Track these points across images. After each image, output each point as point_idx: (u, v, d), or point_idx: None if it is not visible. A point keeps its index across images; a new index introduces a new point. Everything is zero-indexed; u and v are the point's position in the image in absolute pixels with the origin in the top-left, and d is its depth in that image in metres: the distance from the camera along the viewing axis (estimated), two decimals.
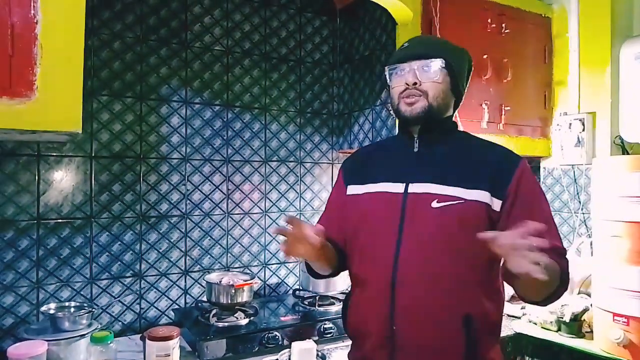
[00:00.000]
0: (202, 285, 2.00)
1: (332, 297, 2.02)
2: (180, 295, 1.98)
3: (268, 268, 2.18)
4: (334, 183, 2.31)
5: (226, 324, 1.72)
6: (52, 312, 1.56)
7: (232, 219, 2.09)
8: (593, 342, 1.74)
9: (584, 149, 2.17)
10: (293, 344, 1.52)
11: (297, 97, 2.25)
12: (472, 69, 1.29)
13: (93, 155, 1.81)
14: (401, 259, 1.13)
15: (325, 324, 1.77)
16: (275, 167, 2.20)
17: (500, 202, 1.12)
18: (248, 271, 2.09)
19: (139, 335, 1.60)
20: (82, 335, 1.48)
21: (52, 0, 1.23)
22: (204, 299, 1.89)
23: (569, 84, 2.29)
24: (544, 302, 1.11)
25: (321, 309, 1.92)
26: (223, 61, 2.07)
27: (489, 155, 1.20)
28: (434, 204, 1.13)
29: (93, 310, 1.60)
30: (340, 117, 2.32)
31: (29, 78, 1.21)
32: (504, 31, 2.12)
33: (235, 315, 1.78)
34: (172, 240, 1.96)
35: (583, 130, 2.17)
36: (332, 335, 1.74)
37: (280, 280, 2.21)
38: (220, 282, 1.82)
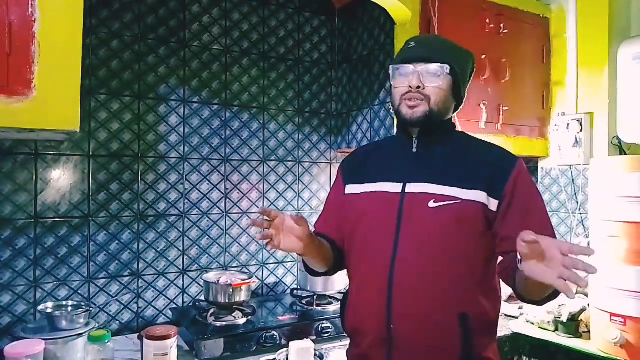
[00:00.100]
0: (200, 285, 2.00)
1: (330, 297, 2.02)
2: (178, 295, 1.98)
3: (266, 267, 2.18)
4: (332, 182, 2.31)
5: (224, 323, 1.72)
6: (49, 311, 1.56)
7: (230, 218, 2.09)
8: (590, 342, 1.74)
9: (582, 149, 2.17)
10: (291, 343, 1.52)
11: (296, 96, 2.25)
12: (475, 70, 1.30)
13: (91, 154, 1.80)
14: (398, 258, 1.13)
15: (323, 323, 1.77)
16: (274, 166, 2.20)
17: (497, 202, 1.13)
18: (246, 270, 2.09)
19: (137, 335, 1.60)
20: (80, 334, 1.48)
21: None
22: (202, 298, 1.89)
23: (567, 84, 2.29)
24: (542, 302, 1.12)
25: (319, 308, 1.92)
26: (221, 60, 2.07)
27: (487, 155, 1.20)
28: (431, 204, 1.13)
29: (90, 309, 1.59)
30: (339, 116, 2.32)
31: (27, 76, 1.21)
32: (502, 31, 2.12)
33: (233, 314, 1.78)
34: (170, 240, 1.95)
35: (581, 130, 2.17)
36: (329, 335, 1.74)
37: (278, 280, 2.21)
38: (218, 281, 1.82)
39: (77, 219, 1.78)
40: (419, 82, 1.16)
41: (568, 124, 2.22)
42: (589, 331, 1.78)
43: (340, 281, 1.98)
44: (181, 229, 1.98)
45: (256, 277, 2.13)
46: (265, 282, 2.18)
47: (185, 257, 1.99)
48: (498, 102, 2.11)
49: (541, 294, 1.08)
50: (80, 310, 1.57)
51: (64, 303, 1.63)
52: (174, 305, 1.96)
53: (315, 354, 1.53)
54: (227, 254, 2.08)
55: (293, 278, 2.24)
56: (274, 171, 2.20)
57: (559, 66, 2.32)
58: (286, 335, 1.69)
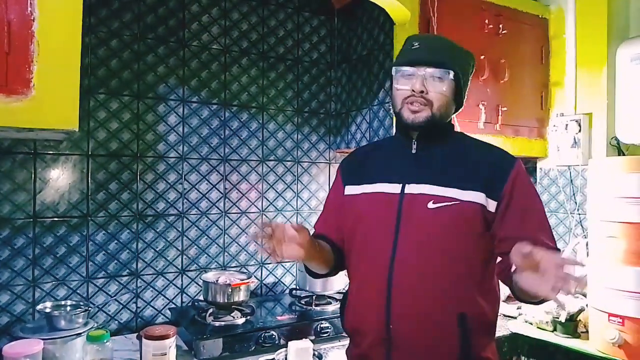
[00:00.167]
0: (198, 285, 2.00)
1: (329, 297, 2.02)
2: (177, 295, 1.97)
3: (265, 267, 2.18)
4: (331, 182, 2.31)
5: (223, 323, 1.72)
6: (48, 310, 1.56)
7: (229, 218, 2.09)
8: (588, 342, 1.75)
9: (580, 149, 2.18)
10: (290, 343, 1.52)
11: (295, 96, 2.25)
12: (474, 71, 1.30)
13: (90, 153, 1.80)
14: (397, 259, 1.13)
15: (321, 323, 1.77)
16: (273, 166, 2.19)
17: (496, 203, 1.13)
18: (245, 270, 2.09)
19: (136, 334, 1.60)
20: (78, 334, 1.48)
21: None
22: (201, 298, 1.89)
23: (565, 85, 2.29)
24: (539, 302, 1.12)
25: (318, 308, 1.92)
26: (221, 60, 2.07)
27: (485, 156, 1.20)
28: (430, 205, 1.13)
29: (89, 309, 1.59)
30: (338, 116, 2.32)
31: (26, 76, 1.21)
32: (501, 32, 2.12)
33: (231, 314, 1.78)
34: (168, 239, 1.95)
35: (579, 131, 2.18)
36: (328, 335, 1.74)
37: (277, 280, 2.21)
38: (217, 281, 1.82)
39: (76, 218, 1.77)
40: (423, 87, 1.16)
41: (567, 125, 2.22)
42: (587, 331, 1.79)
43: (339, 281, 1.98)
44: (180, 229, 1.98)
45: (255, 277, 2.13)
46: (264, 282, 2.18)
47: (184, 256, 1.99)
48: (497, 103, 2.12)
49: (537, 297, 1.09)
50: (79, 310, 1.57)
51: (63, 303, 1.63)
52: (173, 305, 1.96)
53: (314, 354, 1.53)
54: (226, 253, 2.08)
55: (292, 278, 2.24)
56: (273, 171, 2.19)
57: (557, 67, 2.33)
58: (285, 335, 1.69)
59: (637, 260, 1.58)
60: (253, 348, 1.63)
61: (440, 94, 1.17)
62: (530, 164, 2.41)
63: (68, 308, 1.60)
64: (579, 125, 2.18)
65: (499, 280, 1.20)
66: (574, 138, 2.19)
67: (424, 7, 1.91)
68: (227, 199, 2.08)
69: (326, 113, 2.33)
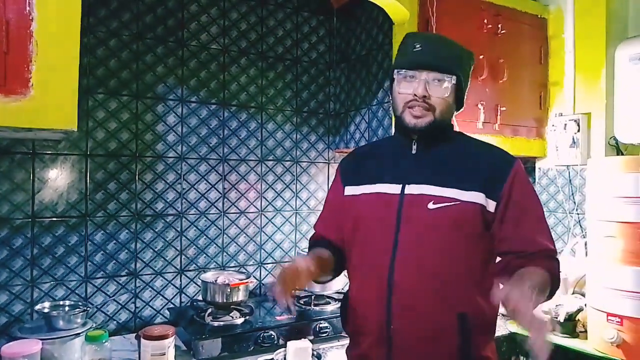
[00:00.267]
0: (197, 285, 2.00)
1: (328, 297, 2.02)
2: (176, 294, 1.97)
3: (264, 267, 2.18)
4: (330, 182, 2.31)
5: (222, 323, 1.71)
6: (46, 310, 1.56)
7: (228, 218, 2.09)
8: (587, 342, 1.75)
9: (579, 149, 2.18)
10: (289, 343, 1.52)
11: (294, 96, 2.25)
12: (472, 68, 1.29)
13: (88, 153, 1.80)
14: (398, 259, 1.13)
15: (320, 323, 1.77)
16: (272, 166, 2.19)
17: (495, 203, 1.14)
18: (244, 270, 2.09)
19: (134, 335, 1.60)
20: (77, 334, 1.48)
21: None
22: (200, 298, 1.89)
23: (564, 85, 2.29)
24: None
25: (317, 308, 1.92)
26: (219, 60, 2.06)
27: (485, 156, 1.20)
28: (430, 205, 1.13)
29: (88, 309, 1.59)
30: (337, 116, 2.32)
31: (24, 75, 1.20)
32: (500, 32, 2.12)
33: (230, 314, 1.78)
34: (167, 239, 1.95)
35: (578, 131, 2.18)
36: (327, 335, 1.74)
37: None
38: (215, 281, 1.81)
39: (74, 218, 1.77)
40: (425, 92, 1.14)
41: (565, 125, 2.23)
42: (585, 331, 1.79)
43: (338, 281, 1.97)
44: (179, 229, 1.98)
45: (254, 277, 2.13)
46: (263, 282, 2.18)
47: (183, 256, 1.99)
48: (496, 103, 2.12)
49: None
50: (78, 310, 1.56)
51: (61, 303, 1.63)
52: (172, 305, 1.96)
53: (313, 354, 1.53)
54: (224, 253, 2.08)
55: None
56: (272, 171, 2.19)
57: (556, 67, 2.33)
58: (284, 335, 1.68)
59: (635, 259, 1.58)
60: (252, 348, 1.62)
61: (443, 99, 1.16)
62: (529, 164, 2.41)
63: (66, 308, 1.60)
64: (578, 125, 2.18)
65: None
66: (573, 138, 2.20)
67: (423, 7, 1.91)
68: (226, 199, 2.08)
69: (325, 113, 2.33)
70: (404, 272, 1.13)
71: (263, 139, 2.17)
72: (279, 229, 2.22)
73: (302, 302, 1.98)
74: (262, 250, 2.18)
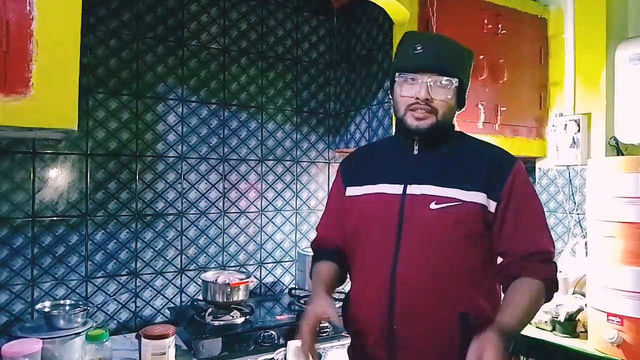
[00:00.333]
0: (197, 284, 2.00)
1: None
2: (176, 294, 1.97)
3: (264, 267, 2.18)
4: (331, 183, 2.31)
5: (222, 322, 1.71)
6: (47, 310, 1.56)
7: (228, 217, 2.09)
8: (587, 342, 1.75)
9: (579, 149, 2.18)
10: (289, 342, 1.52)
11: (294, 96, 2.25)
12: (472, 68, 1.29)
13: (88, 153, 1.80)
14: (400, 259, 1.14)
15: (321, 322, 1.76)
16: (272, 166, 2.19)
17: (495, 203, 1.14)
18: (244, 270, 2.09)
19: (135, 334, 1.60)
20: (77, 334, 1.48)
21: None
22: (200, 297, 1.89)
23: (564, 85, 2.29)
24: None
25: None
26: (219, 59, 2.06)
27: (486, 156, 1.20)
28: (432, 206, 1.13)
29: (88, 308, 1.59)
30: (337, 116, 2.32)
31: (25, 75, 1.20)
32: (500, 32, 2.12)
33: (231, 314, 1.78)
34: (167, 239, 1.95)
35: (578, 131, 2.18)
36: (327, 335, 1.74)
37: (276, 279, 2.21)
38: (216, 280, 1.81)
39: (74, 217, 1.77)
40: (428, 95, 1.14)
41: (565, 125, 2.23)
42: (586, 331, 1.79)
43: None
44: (179, 228, 1.98)
45: (254, 276, 2.13)
46: (263, 281, 2.18)
47: (183, 256, 1.99)
48: (496, 103, 2.12)
49: None
50: (78, 309, 1.57)
51: (62, 302, 1.64)
52: (172, 305, 1.96)
53: None
54: (225, 253, 2.08)
55: (291, 277, 2.24)
56: (272, 171, 2.19)
57: (556, 67, 2.33)
58: (284, 334, 1.69)
59: (635, 260, 1.58)
60: (252, 347, 1.63)
61: (445, 101, 1.16)
62: (529, 164, 2.41)
63: (67, 307, 1.60)
64: (578, 125, 2.18)
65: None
66: (573, 138, 2.20)
67: (423, 7, 1.91)
68: (226, 199, 2.08)
69: (325, 113, 2.33)
70: (406, 272, 1.13)
71: (263, 138, 2.17)
72: (279, 228, 2.22)
73: (302, 302, 1.99)
74: (263, 250, 2.18)
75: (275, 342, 1.65)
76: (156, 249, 1.93)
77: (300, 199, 2.28)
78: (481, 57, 2.03)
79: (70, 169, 1.77)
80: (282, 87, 2.22)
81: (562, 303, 1.83)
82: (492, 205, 1.13)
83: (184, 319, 1.77)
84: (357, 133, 2.16)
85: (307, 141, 2.29)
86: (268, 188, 2.19)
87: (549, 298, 1.14)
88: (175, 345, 1.49)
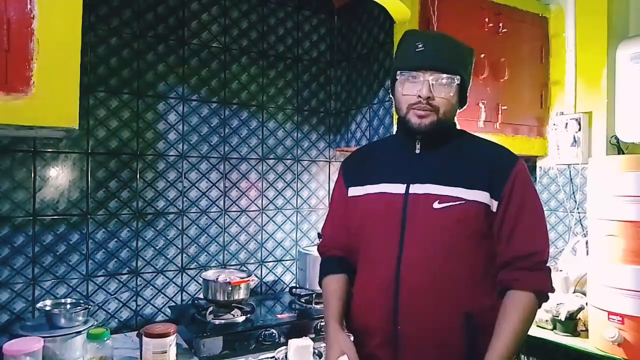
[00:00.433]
0: (198, 283, 2.00)
1: None
2: (177, 293, 1.97)
3: (265, 265, 2.18)
4: (331, 181, 2.32)
5: (223, 321, 1.72)
6: (48, 308, 1.56)
7: (229, 216, 2.09)
8: (588, 341, 1.75)
9: (580, 148, 2.18)
10: (290, 341, 1.52)
11: (295, 95, 2.25)
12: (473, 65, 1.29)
13: (89, 151, 1.80)
14: (404, 259, 1.14)
15: (321, 321, 1.77)
16: (273, 164, 2.19)
17: (497, 203, 1.14)
18: (245, 269, 2.09)
19: (136, 332, 1.60)
20: (78, 332, 1.48)
21: None
22: (201, 296, 1.89)
23: (565, 83, 2.29)
24: None
25: (318, 306, 1.92)
26: (220, 58, 2.06)
27: (488, 155, 1.20)
28: (436, 205, 1.13)
29: (89, 307, 1.59)
30: (338, 115, 2.32)
31: (26, 73, 1.20)
32: (501, 30, 2.12)
33: (231, 312, 1.78)
34: (168, 238, 1.95)
35: (579, 130, 2.18)
36: None
37: (277, 278, 2.22)
38: (217, 279, 1.81)
39: (75, 216, 1.77)
40: (429, 93, 1.14)
41: (566, 123, 2.23)
42: (586, 330, 1.79)
43: None
44: (180, 227, 1.98)
45: (255, 275, 2.13)
46: (264, 280, 2.18)
47: (184, 255, 1.99)
48: (497, 101, 2.12)
49: None
50: (79, 308, 1.57)
51: (63, 301, 1.64)
52: (173, 303, 1.96)
53: (314, 352, 1.53)
54: (225, 252, 2.08)
55: (292, 276, 2.24)
56: (272, 169, 2.19)
57: (557, 66, 2.33)
58: (285, 333, 1.69)
59: (636, 258, 1.58)
60: (253, 346, 1.63)
61: (447, 99, 1.16)
62: (530, 163, 2.41)
63: (68, 306, 1.60)
64: (579, 124, 2.18)
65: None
66: (574, 137, 2.20)
67: (424, 6, 1.91)
68: (227, 197, 2.08)
69: (326, 111, 2.33)
70: (410, 272, 1.13)
71: (264, 137, 2.17)
72: (280, 227, 2.22)
73: (303, 301, 1.99)
74: (263, 249, 2.18)
75: (276, 340, 1.66)
76: (157, 247, 1.93)
77: (301, 197, 2.27)
78: (482, 55, 2.03)
79: (71, 168, 1.77)
80: (282, 86, 2.21)
81: (563, 302, 1.83)
82: (494, 205, 1.14)
83: (184, 318, 1.77)
84: (357, 132, 2.16)
85: (308, 140, 2.29)
86: (269, 187, 2.19)
87: (541, 306, 1.15)
88: (176, 343, 1.49)
